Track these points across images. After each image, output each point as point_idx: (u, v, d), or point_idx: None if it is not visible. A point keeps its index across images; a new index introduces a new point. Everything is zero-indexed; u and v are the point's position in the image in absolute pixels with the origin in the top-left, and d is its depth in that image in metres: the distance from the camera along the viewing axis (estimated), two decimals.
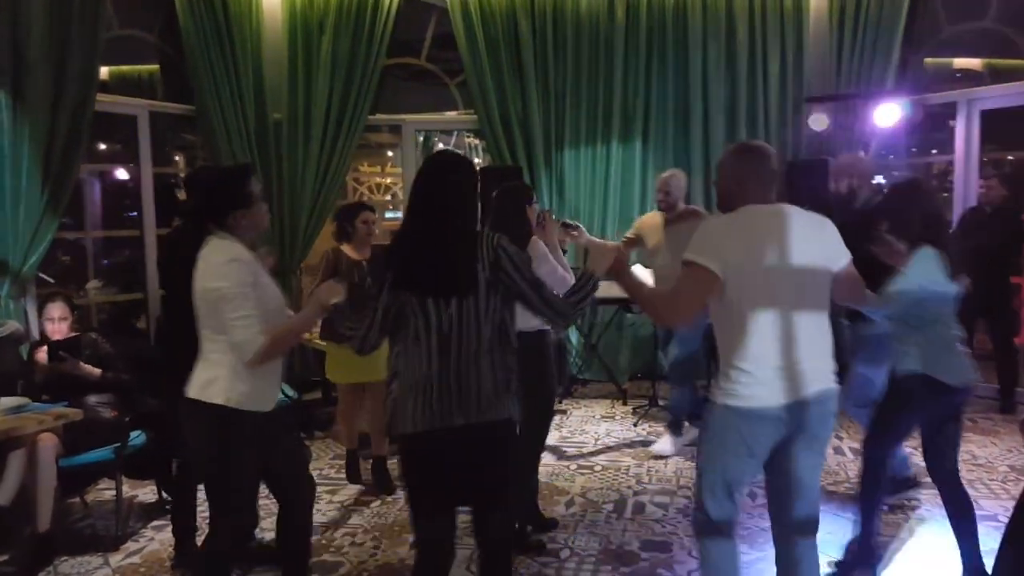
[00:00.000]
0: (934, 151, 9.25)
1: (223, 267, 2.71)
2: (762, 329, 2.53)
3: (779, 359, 2.54)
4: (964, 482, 4.56)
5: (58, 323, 4.27)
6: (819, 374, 2.59)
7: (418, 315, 2.49)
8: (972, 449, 5.32)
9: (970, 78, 8.18)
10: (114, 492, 4.15)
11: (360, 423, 4.98)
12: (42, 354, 4.20)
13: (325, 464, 5.22)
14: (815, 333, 2.60)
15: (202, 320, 2.79)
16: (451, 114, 7.87)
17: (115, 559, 3.91)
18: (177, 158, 9.06)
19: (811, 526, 2.71)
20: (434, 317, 2.47)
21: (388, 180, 10.69)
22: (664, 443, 5.39)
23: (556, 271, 3.84)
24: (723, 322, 2.62)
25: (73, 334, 4.30)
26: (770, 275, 2.54)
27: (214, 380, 2.77)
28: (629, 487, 4.78)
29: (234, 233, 2.81)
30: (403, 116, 7.68)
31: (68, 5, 5.10)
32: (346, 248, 4.74)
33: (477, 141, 10.14)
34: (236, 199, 2.82)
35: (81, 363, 4.18)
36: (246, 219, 2.83)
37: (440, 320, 2.47)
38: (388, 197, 10.43)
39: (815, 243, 2.63)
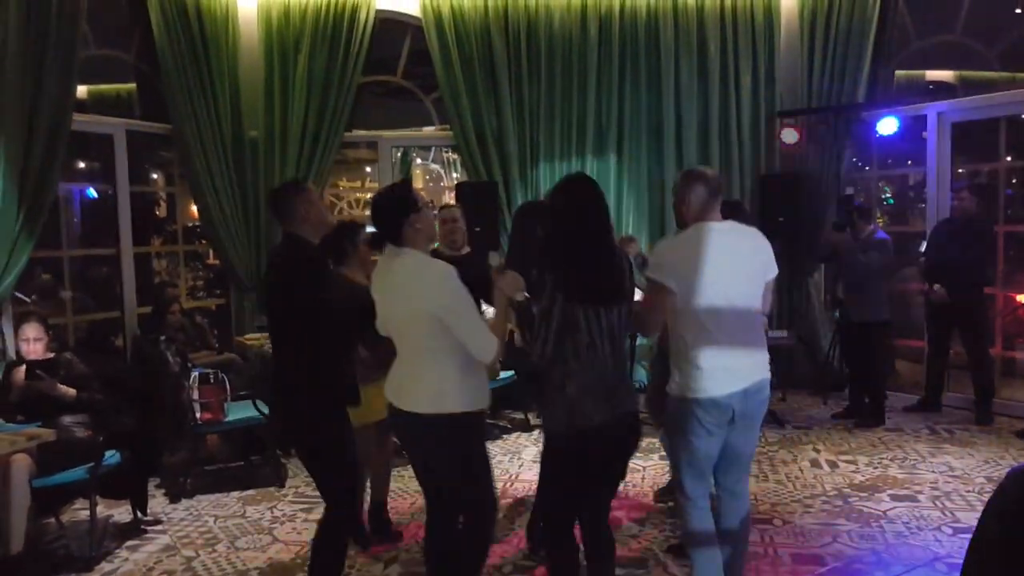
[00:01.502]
0: (909, 162, 9.40)
1: (442, 283, 2.83)
2: (712, 332, 3.02)
3: (727, 357, 3.05)
4: (941, 494, 4.74)
5: (33, 343, 4.31)
6: (758, 367, 3.15)
7: (592, 323, 2.80)
8: (949, 460, 5.39)
9: (943, 90, 8.32)
10: (88, 512, 4.17)
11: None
12: (19, 373, 4.22)
13: (301, 482, 5.24)
14: (755, 333, 3.17)
15: (411, 337, 2.92)
16: (428, 129, 7.95)
17: None
18: (155, 176, 9.11)
19: (744, 482, 3.35)
20: (605, 323, 2.82)
21: (368, 196, 10.73)
22: None
23: None
24: (678, 327, 3.08)
25: (49, 354, 4.33)
26: (717, 285, 3.01)
27: (445, 391, 2.88)
28: None
29: (413, 245, 2.92)
30: (380, 132, 7.74)
31: (44, 25, 5.15)
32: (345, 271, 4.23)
33: (455, 156, 10.22)
34: (407, 206, 2.92)
35: (56, 383, 4.21)
36: (419, 223, 2.93)
37: (611, 325, 2.84)
38: (368, 212, 10.46)
39: (753, 255, 3.17)
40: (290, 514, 4.74)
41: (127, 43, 6.63)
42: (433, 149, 10.61)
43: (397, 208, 2.92)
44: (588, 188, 2.90)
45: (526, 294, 3.04)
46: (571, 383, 2.80)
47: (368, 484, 4.36)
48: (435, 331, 2.84)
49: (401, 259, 2.92)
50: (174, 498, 4.97)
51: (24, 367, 4.20)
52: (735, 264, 3.07)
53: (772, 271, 3.22)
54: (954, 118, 6.86)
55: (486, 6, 7.05)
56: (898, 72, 8.02)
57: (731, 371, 3.04)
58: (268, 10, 6.87)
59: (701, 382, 3.02)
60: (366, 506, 4.27)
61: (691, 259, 3.01)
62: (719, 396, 3.02)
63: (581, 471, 2.89)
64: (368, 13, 6.94)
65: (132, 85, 7.43)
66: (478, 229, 6.22)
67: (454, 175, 10.86)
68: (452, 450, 2.94)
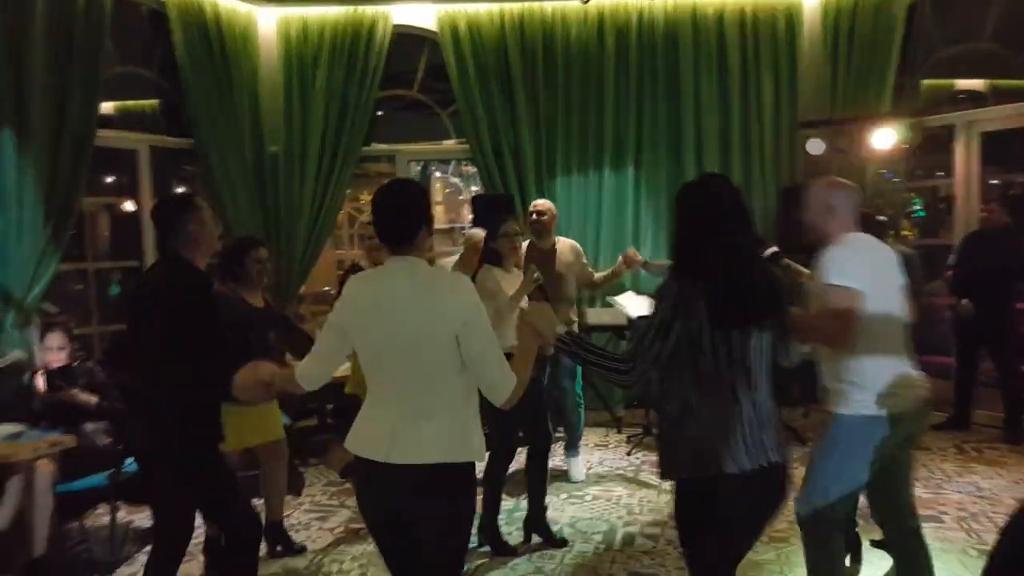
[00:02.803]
0: (940, 173, 9.40)
1: (468, 293, 2.46)
2: (892, 344, 3.02)
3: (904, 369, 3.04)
4: (967, 515, 4.72)
5: (56, 352, 4.56)
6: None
7: (719, 347, 2.42)
8: (977, 480, 5.36)
9: (972, 99, 8.33)
10: (110, 516, 4.41)
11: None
12: (40, 381, 4.48)
13: (318, 491, 5.45)
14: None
15: (415, 365, 2.41)
16: (446, 143, 8.15)
17: None
18: (178, 190, 9.41)
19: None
20: (738, 350, 2.44)
21: None
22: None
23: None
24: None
25: (71, 363, 4.58)
26: (886, 295, 2.99)
27: (461, 435, 2.43)
28: (620, 517, 4.89)
29: (419, 254, 2.53)
30: (397, 146, 7.98)
31: (69, 44, 5.44)
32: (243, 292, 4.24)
33: (474, 169, 10.41)
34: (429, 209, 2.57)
35: (77, 391, 4.46)
36: (429, 237, 2.56)
37: (744, 352, 2.45)
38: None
39: (898, 268, 3.13)
40: (305, 522, 4.95)
41: (149, 61, 6.91)
42: (452, 163, 10.82)
43: (422, 208, 2.53)
44: (724, 184, 2.61)
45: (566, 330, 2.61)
46: (693, 421, 2.44)
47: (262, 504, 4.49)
48: (449, 357, 2.40)
49: (408, 270, 2.46)
50: None
51: (45, 375, 4.44)
52: (895, 276, 3.09)
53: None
54: (983, 128, 6.89)
55: (502, 19, 7.24)
56: (925, 82, 8.06)
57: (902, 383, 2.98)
58: (287, 26, 7.14)
59: (888, 399, 2.94)
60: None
61: (869, 267, 2.95)
62: (901, 412, 2.96)
63: (713, 525, 2.49)
64: (385, 28, 7.19)
65: (156, 101, 7.73)
66: (491, 245, 6.39)
67: (472, 188, 11.07)
68: (468, 507, 2.52)
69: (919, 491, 5.12)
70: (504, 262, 4.60)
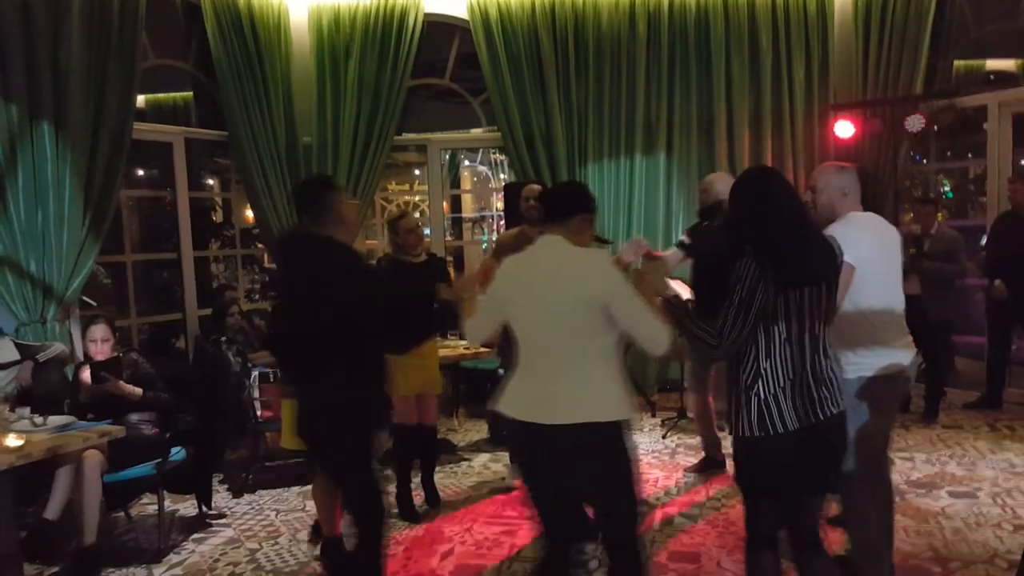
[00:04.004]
0: (969, 155, 9.23)
1: (609, 267, 2.74)
2: (893, 312, 3.31)
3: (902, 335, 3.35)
4: (1001, 491, 4.66)
5: (100, 344, 4.51)
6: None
7: (792, 313, 2.59)
8: (1011, 458, 5.31)
9: (1004, 80, 8.15)
10: (156, 507, 4.37)
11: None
12: (86, 374, 4.43)
13: None
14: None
15: (564, 335, 2.65)
16: (476, 131, 8.06)
17: (158, 571, 4.11)
18: (211, 182, 9.40)
19: None
20: (808, 315, 2.61)
21: (416, 198, 10.93)
22: None
23: None
24: (860, 304, 3.21)
25: (115, 355, 4.54)
26: (885, 269, 3.28)
27: (610, 394, 2.66)
28: (657, 499, 4.84)
29: (571, 236, 2.78)
30: (428, 135, 7.90)
31: (106, 38, 5.39)
32: None
33: (502, 157, 10.32)
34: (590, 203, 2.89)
35: (122, 383, 4.42)
36: (585, 225, 2.83)
37: (813, 317, 2.62)
38: (416, 214, 10.65)
39: (898, 245, 3.46)
40: None
41: (184, 53, 6.85)
42: (480, 151, 10.73)
43: (581, 198, 2.86)
44: (770, 172, 2.82)
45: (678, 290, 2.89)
46: (759, 384, 2.60)
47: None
48: (596, 325, 2.61)
49: (554, 246, 2.74)
50: (237, 493, 5.18)
51: (89, 368, 4.40)
52: (894, 252, 3.38)
53: None
54: (1016, 109, 6.74)
55: (533, 6, 7.12)
56: (957, 63, 7.90)
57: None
58: (319, 17, 7.06)
59: (895, 358, 3.23)
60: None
61: (873, 240, 3.24)
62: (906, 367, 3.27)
63: (776, 481, 2.66)
64: (416, 17, 7.09)
65: (189, 93, 7.69)
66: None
67: (502, 176, 10.98)
68: (624, 460, 2.70)
69: (953, 468, 5.14)
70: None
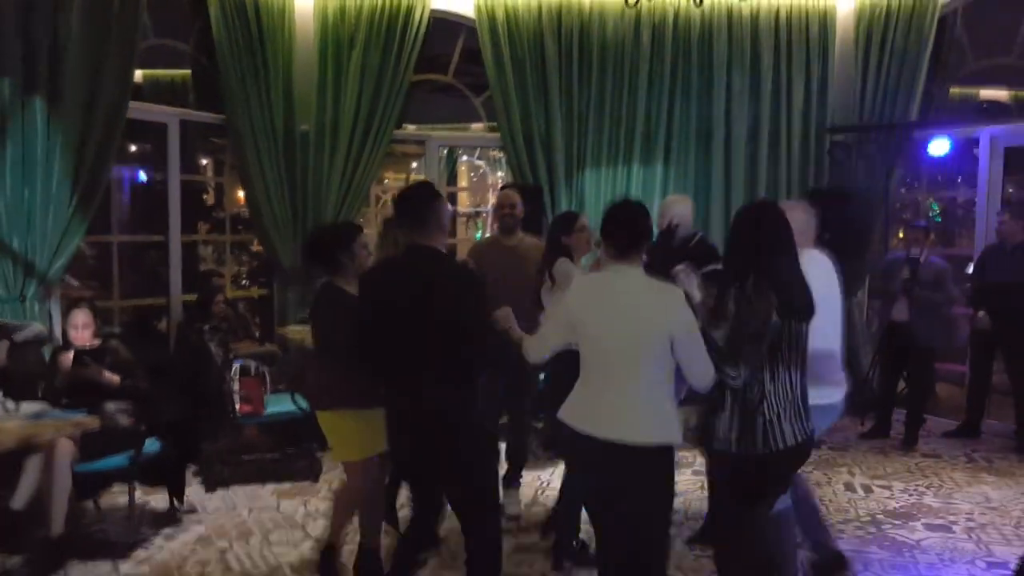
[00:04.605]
0: (959, 179, 9.17)
1: (682, 301, 2.79)
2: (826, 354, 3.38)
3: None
4: (976, 526, 4.61)
5: (82, 330, 4.35)
6: None
7: (791, 342, 2.83)
8: (986, 491, 5.22)
9: (997, 110, 8.10)
10: (127, 497, 4.20)
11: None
12: (66, 359, 4.25)
13: (335, 478, 5.20)
14: None
15: (630, 360, 2.76)
16: (476, 126, 7.89)
17: (125, 567, 3.95)
18: (204, 162, 9.18)
19: None
20: (800, 341, 2.86)
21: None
22: None
23: None
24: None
25: (96, 341, 4.36)
26: (832, 305, 3.43)
27: (669, 419, 2.77)
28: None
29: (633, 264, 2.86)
30: (428, 132, 7.74)
31: (106, 15, 5.17)
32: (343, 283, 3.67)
33: (500, 154, 10.15)
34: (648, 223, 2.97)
35: (102, 370, 4.25)
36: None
37: (803, 343, 2.87)
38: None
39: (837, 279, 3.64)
40: (323, 510, 4.72)
41: (186, 34, 6.65)
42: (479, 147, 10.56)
43: (647, 227, 2.92)
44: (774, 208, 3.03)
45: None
46: (766, 404, 2.82)
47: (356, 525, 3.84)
48: (661, 354, 2.74)
49: (631, 277, 2.83)
50: (210, 486, 5.00)
51: (71, 353, 4.22)
52: (838, 290, 3.56)
53: None
54: (1007, 143, 6.70)
55: (540, 9, 6.96)
56: (952, 90, 7.83)
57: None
58: (324, 7, 6.84)
59: (832, 397, 3.45)
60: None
61: (827, 279, 3.46)
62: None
63: (759, 492, 2.95)
64: (423, 13, 6.89)
65: (187, 71, 7.47)
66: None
67: (499, 173, 10.82)
68: (670, 483, 2.84)
69: (930, 499, 5.07)
70: (576, 256, 4.23)
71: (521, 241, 4.80)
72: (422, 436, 3.06)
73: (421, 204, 3.05)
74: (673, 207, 4.91)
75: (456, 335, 2.94)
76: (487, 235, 5.06)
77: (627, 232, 2.86)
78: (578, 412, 2.86)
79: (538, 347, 3.09)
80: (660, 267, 3.51)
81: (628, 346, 2.76)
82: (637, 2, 4.45)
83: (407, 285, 3.00)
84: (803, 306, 2.85)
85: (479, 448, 3.11)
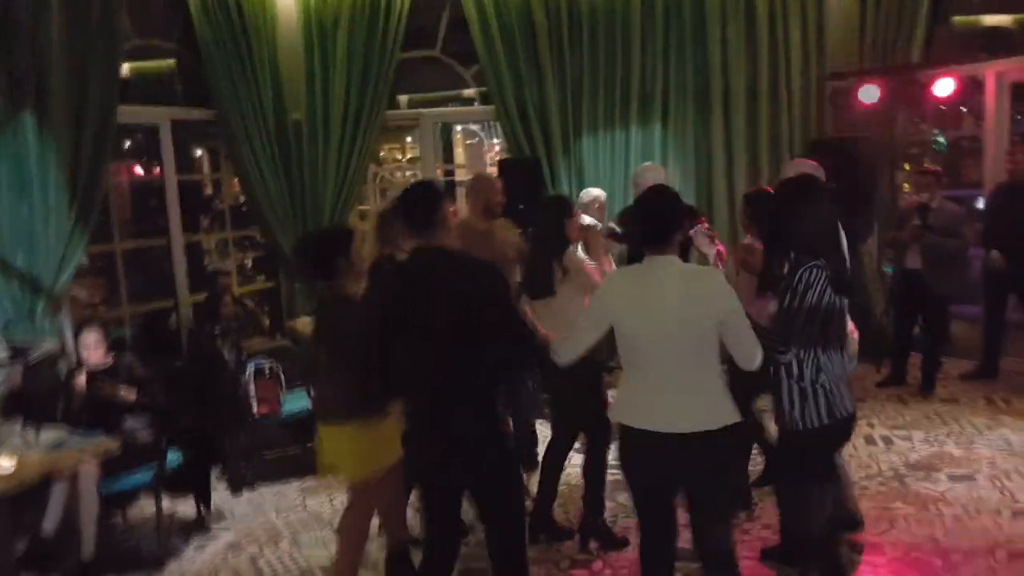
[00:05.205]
0: (964, 109, 8.96)
1: (725, 285, 2.77)
2: None
3: None
4: (999, 472, 4.62)
5: (94, 350, 4.32)
6: None
7: (839, 313, 2.90)
8: (1007, 435, 5.18)
9: (1000, 38, 7.87)
10: (154, 507, 4.21)
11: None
12: (81, 380, 4.24)
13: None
14: None
15: (679, 350, 2.72)
16: (469, 93, 7.75)
17: None
18: (199, 153, 9.06)
19: None
20: (841, 314, 2.92)
21: (407, 160, 10.65)
22: None
23: (591, 280, 3.94)
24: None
25: (109, 359, 4.34)
26: None
27: (728, 400, 2.77)
28: None
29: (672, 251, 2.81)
30: (421, 111, 7.62)
31: (87, 20, 5.06)
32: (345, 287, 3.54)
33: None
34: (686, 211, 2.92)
35: (118, 388, 4.23)
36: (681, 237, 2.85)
37: (844, 314, 2.95)
38: (409, 174, 10.36)
39: None
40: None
41: (168, 32, 6.53)
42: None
43: (680, 214, 2.82)
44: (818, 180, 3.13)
45: None
46: (823, 376, 2.88)
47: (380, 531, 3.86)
48: (709, 340, 2.72)
49: (669, 266, 2.77)
50: (236, 488, 5.01)
51: (85, 374, 4.20)
52: None
53: None
54: (1014, 78, 6.52)
55: None
56: (954, 19, 7.59)
57: None
58: None
59: None
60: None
61: None
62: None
63: (832, 464, 3.10)
64: None
65: (172, 62, 7.31)
66: (522, 207, 6.04)
67: (495, 140, 10.65)
68: (742, 459, 3.07)
69: (951, 447, 5.05)
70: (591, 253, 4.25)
71: (494, 224, 4.69)
72: (455, 448, 2.89)
73: (428, 207, 2.92)
74: (646, 175, 5.03)
75: (487, 336, 2.81)
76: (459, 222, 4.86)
77: (662, 221, 2.78)
78: (640, 411, 2.80)
79: (572, 348, 2.99)
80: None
81: (681, 338, 2.71)
82: None
83: (431, 292, 2.84)
84: (846, 281, 2.94)
85: (512, 461, 3.07)
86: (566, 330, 3.83)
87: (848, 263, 3.02)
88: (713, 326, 2.70)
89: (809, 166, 3.96)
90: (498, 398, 2.99)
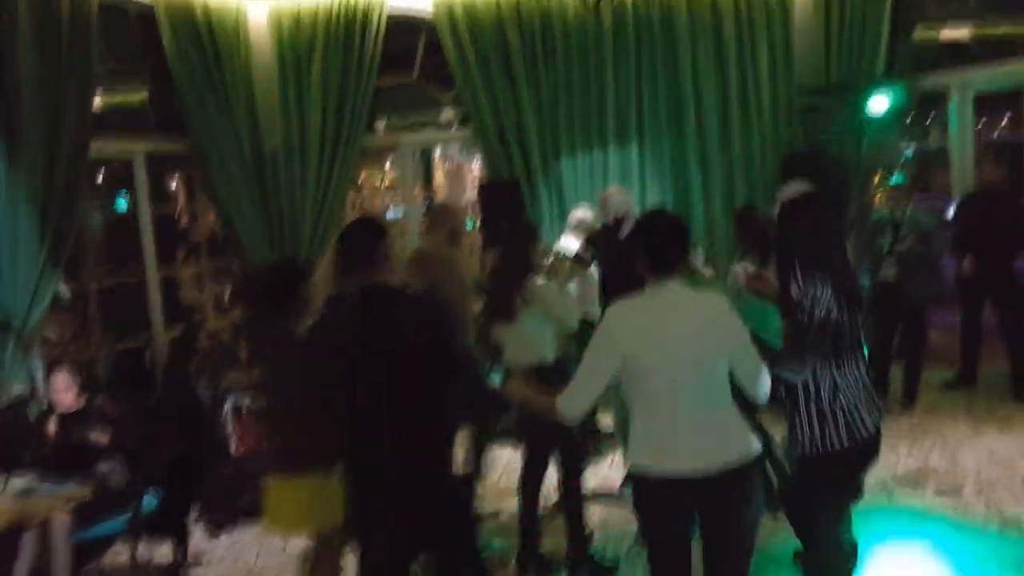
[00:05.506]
0: (928, 121, 9.04)
1: (734, 310, 2.63)
2: None
3: None
4: (984, 486, 4.56)
5: (64, 393, 4.15)
6: None
7: (850, 327, 2.79)
8: (991, 446, 5.13)
9: (958, 50, 7.93)
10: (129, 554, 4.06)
11: None
12: (51, 425, 4.07)
13: None
14: None
15: (694, 381, 2.54)
16: (447, 114, 7.71)
17: None
18: (175, 182, 8.91)
19: None
20: (857, 328, 2.82)
21: (387, 184, 10.61)
22: None
23: (554, 307, 3.91)
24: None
25: (81, 401, 4.18)
26: None
27: (748, 430, 2.61)
28: None
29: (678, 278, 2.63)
30: (399, 137, 7.57)
31: (57, 52, 4.99)
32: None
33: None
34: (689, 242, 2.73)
35: (89, 432, 4.06)
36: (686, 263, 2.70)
37: (857, 328, 2.84)
38: (388, 199, 10.28)
39: None
40: None
41: (140, 63, 6.42)
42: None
43: (686, 240, 2.66)
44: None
45: None
46: (840, 396, 2.76)
47: None
48: (723, 369, 2.56)
49: (673, 293, 2.59)
50: (214, 531, 4.82)
51: (54, 419, 4.04)
52: None
53: None
54: (976, 88, 6.60)
55: (498, 2, 6.73)
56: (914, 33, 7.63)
57: None
58: (279, 18, 6.61)
59: None
60: None
61: None
62: None
63: (855, 487, 3.00)
64: (380, 15, 6.66)
65: (146, 93, 7.20)
66: (504, 227, 6.00)
67: (474, 163, 10.62)
68: (760, 494, 2.66)
69: (936, 460, 4.97)
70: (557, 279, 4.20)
71: (455, 252, 4.62)
72: (410, 513, 2.64)
73: (368, 244, 2.72)
74: (613, 200, 5.09)
75: (439, 373, 2.66)
76: (426, 239, 4.84)
77: (666, 246, 2.60)
78: (661, 454, 2.55)
79: (580, 400, 2.67)
80: (610, 260, 3.53)
81: (697, 368, 2.53)
82: (598, 3, 4.30)
83: (384, 330, 2.65)
84: (858, 293, 2.84)
85: (471, 517, 2.91)
86: (530, 354, 3.86)
87: (855, 277, 2.88)
88: (726, 352, 2.56)
89: (805, 186, 3.91)
90: (451, 447, 2.79)
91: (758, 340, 2.68)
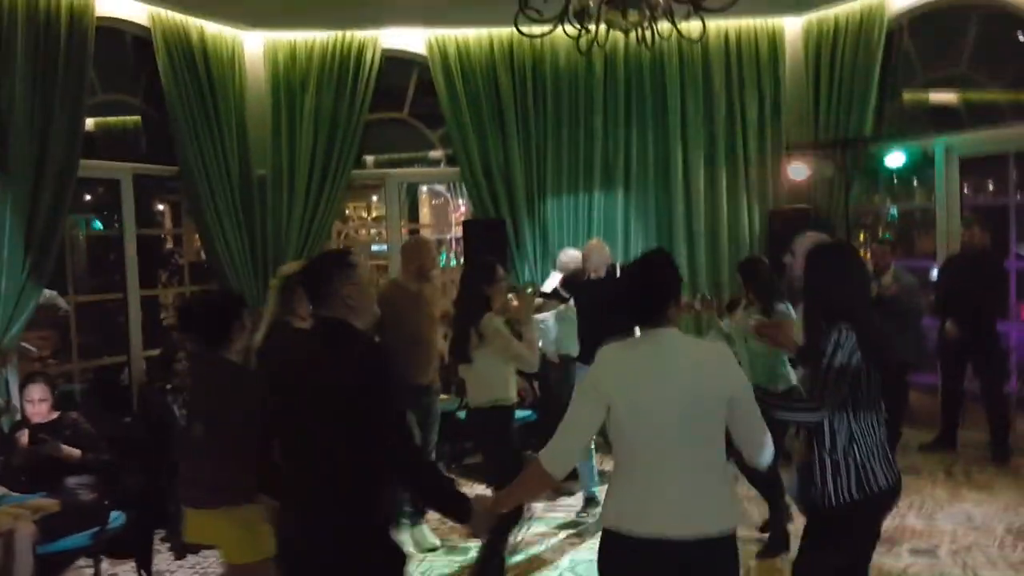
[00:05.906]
0: (915, 182, 9.23)
1: (733, 359, 2.53)
2: None
3: None
4: (960, 548, 4.58)
5: (38, 404, 4.21)
6: None
7: (870, 380, 2.74)
8: (968, 509, 5.17)
9: (947, 114, 8.16)
10: (93, 571, 4.07)
11: None
12: (23, 437, 4.11)
13: None
14: None
15: (684, 436, 2.38)
16: (435, 153, 7.87)
17: None
18: (161, 207, 9.01)
19: None
20: (877, 381, 2.76)
21: (373, 217, 10.75)
22: None
23: (508, 347, 3.97)
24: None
25: (54, 415, 4.23)
26: None
27: (735, 499, 2.58)
28: None
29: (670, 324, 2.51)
30: (387, 171, 7.69)
31: (52, 73, 5.10)
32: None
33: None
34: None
35: (61, 445, 4.10)
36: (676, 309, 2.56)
37: (879, 383, 2.78)
38: (374, 232, 10.41)
39: None
40: None
41: (134, 87, 6.53)
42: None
43: (676, 286, 2.54)
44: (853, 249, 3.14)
45: None
46: (855, 447, 2.73)
47: None
48: (719, 423, 2.41)
49: (668, 341, 2.46)
50: (179, 553, 4.84)
51: (26, 431, 4.08)
52: None
53: None
54: (962, 152, 6.75)
55: (491, 44, 6.97)
56: (904, 95, 7.86)
57: None
58: (274, 51, 6.80)
59: None
60: None
61: None
62: None
63: (869, 543, 2.87)
64: (375, 52, 6.87)
65: (137, 118, 7.32)
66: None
67: (460, 201, 10.79)
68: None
69: (912, 520, 5.02)
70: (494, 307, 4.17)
71: (424, 287, 4.83)
72: (311, 548, 2.46)
73: (323, 279, 2.58)
74: (593, 256, 5.31)
75: (361, 431, 2.43)
76: (399, 275, 4.99)
77: (658, 290, 2.50)
78: (634, 513, 2.39)
79: (566, 457, 2.52)
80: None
81: (686, 421, 2.36)
82: (590, 49, 4.44)
83: (312, 368, 2.53)
84: (882, 349, 2.81)
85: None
86: (487, 393, 3.97)
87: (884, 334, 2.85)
88: (723, 406, 2.40)
89: (823, 235, 3.94)
90: (378, 510, 2.53)
91: (765, 392, 2.71)
